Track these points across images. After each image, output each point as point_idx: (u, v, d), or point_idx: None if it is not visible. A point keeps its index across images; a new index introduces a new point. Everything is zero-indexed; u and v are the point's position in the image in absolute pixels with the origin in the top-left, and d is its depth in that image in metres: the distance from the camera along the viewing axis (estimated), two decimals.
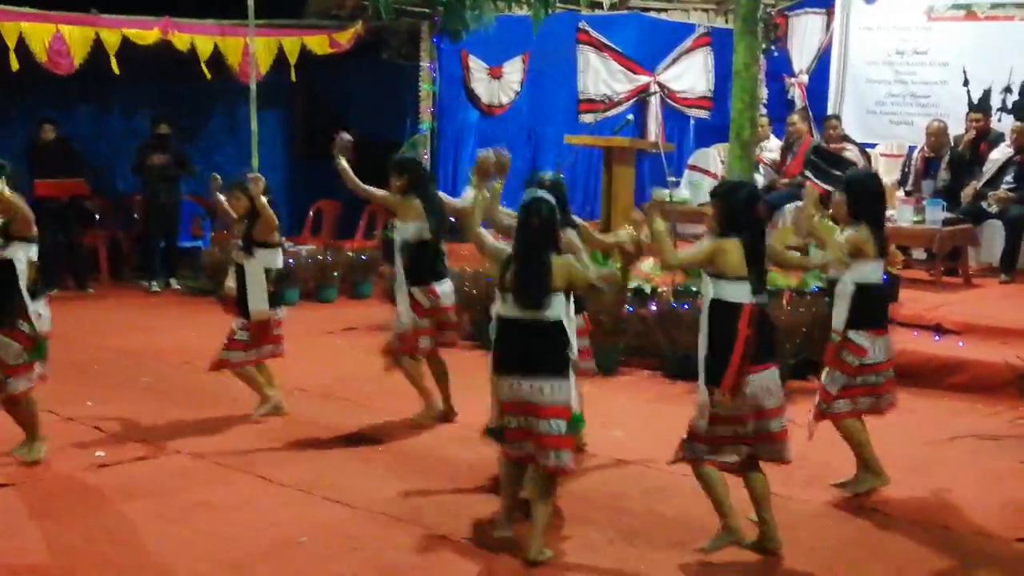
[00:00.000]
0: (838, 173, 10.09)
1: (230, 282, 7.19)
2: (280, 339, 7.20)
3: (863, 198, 5.77)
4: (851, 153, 11.61)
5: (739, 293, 4.85)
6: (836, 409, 5.74)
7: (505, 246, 5.20)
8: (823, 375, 5.85)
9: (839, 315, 5.69)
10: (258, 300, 6.98)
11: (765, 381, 4.90)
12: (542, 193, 5.12)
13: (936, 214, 10.08)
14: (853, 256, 5.63)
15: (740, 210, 4.95)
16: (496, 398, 5.10)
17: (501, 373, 5.01)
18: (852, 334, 5.65)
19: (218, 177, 7.59)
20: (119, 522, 5.36)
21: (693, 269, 5.46)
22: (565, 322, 4.98)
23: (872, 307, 5.72)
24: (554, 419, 4.90)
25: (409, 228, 6.93)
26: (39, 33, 11.25)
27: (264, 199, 6.88)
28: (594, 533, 5.29)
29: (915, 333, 8.51)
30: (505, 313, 5.04)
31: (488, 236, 5.30)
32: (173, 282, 12.45)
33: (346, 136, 7.34)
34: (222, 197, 7.40)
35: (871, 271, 5.71)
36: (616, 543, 5.18)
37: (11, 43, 10.99)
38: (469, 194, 6.60)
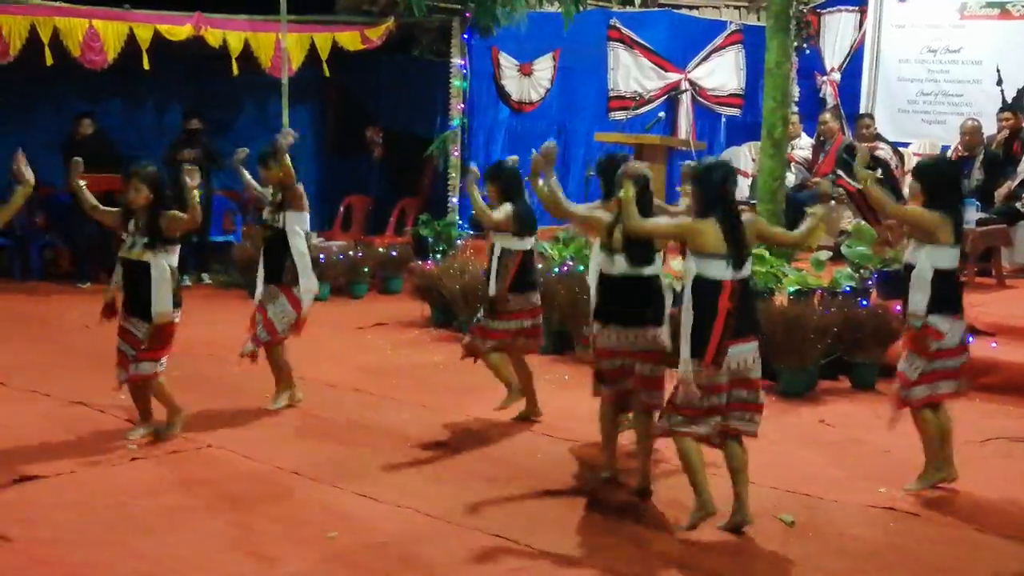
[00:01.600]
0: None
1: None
2: None
3: (937, 183, 5.73)
4: (884, 152, 11.53)
5: (719, 270, 5.08)
6: (916, 395, 5.73)
7: (602, 212, 5.85)
8: (901, 361, 5.82)
9: (919, 300, 5.64)
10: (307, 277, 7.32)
11: (744, 353, 5.15)
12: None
13: (970, 214, 9.97)
14: (918, 237, 5.66)
15: (715, 190, 5.19)
16: (599, 345, 5.75)
17: (607, 323, 5.69)
18: (932, 318, 5.62)
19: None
20: (149, 514, 5.39)
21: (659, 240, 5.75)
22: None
23: (951, 291, 5.71)
24: (651, 363, 5.64)
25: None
26: (73, 28, 11.33)
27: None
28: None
29: None
30: (612, 271, 5.67)
31: (579, 206, 6.16)
32: (205, 276, 12.53)
33: (473, 166, 7.35)
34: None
35: (948, 256, 5.67)
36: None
37: (46, 38, 11.08)
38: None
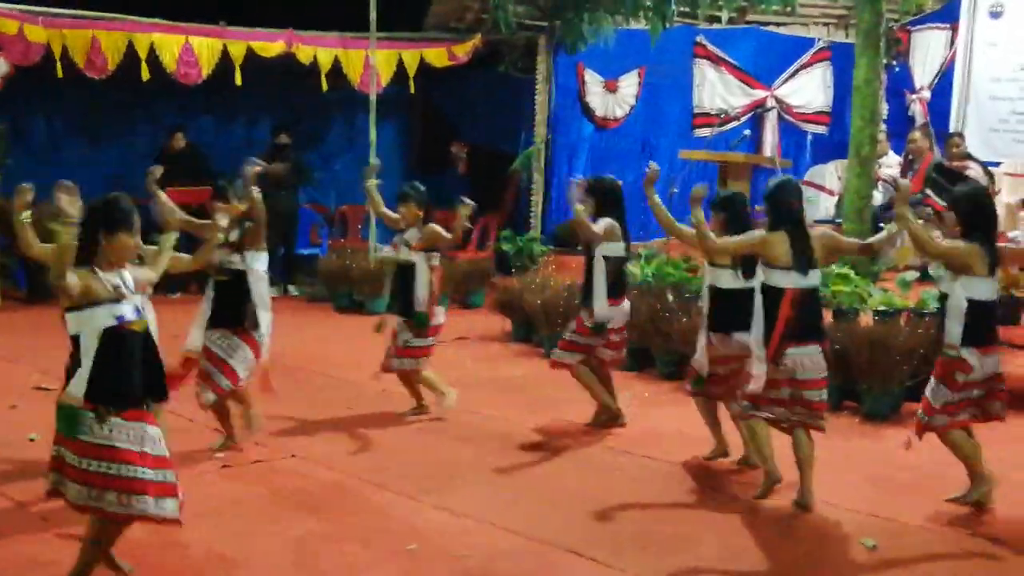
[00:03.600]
0: None
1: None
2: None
3: (973, 214, 5.70)
4: (974, 172, 11.33)
5: (784, 279, 5.63)
6: (936, 423, 5.71)
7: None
8: (928, 387, 5.78)
9: (953, 330, 5.60)
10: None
11: (802, 356, 5.65)
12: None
13: None
14: (953, 268, 5.63)
15: (784, 206, 5.73)
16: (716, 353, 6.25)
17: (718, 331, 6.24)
18: (964, 351, 5.58)
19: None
20: (237, 523, 5.50)
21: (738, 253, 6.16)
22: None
23: (983, 324, 5.63)
24: None
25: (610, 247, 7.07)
26: (170, 44, 11.64)
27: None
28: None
29: None
30: (719, 283, 6.22)
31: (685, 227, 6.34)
32: (291, 288, 12.73)
33: (579, 179, 7.50)
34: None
35: (983, 287, 5.62)
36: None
37: (143, 54, 11.38)
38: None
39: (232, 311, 6.51)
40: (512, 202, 13.70)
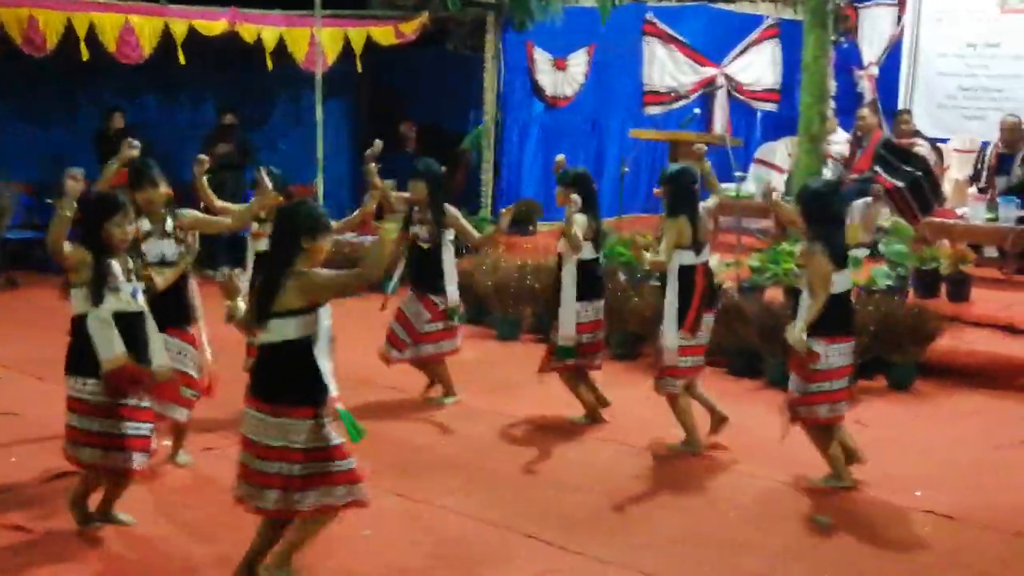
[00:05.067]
0: (908, 169, 9.90)
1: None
2: None
3: (814, 214, 5.72)
4: (922, 148, 11.37)
5: (691, 258, 6.22)
6: (801, 414, 5.76)
7: None
8: (791, 380, 5.83)
9: (800, 321, 5.63)
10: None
11: (709, 321, 6.38)
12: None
13: (1009, 211, 9.85)
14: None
15: (686, 190, 6.25)
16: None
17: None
18: (811, 340, 5.60)
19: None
20: (187, 513, 5.40)
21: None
22: None
23: (836, 314, 5.63)
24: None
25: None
26: (109, 23, 11.37)
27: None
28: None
29: (986, 333, 8.34)
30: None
31: None
32: (238, 271, 12.54)
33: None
34: None
35: (838, 281, 5.62)
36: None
37: (81, 33, 11.12)
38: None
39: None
40: (462, 182, 13.59)
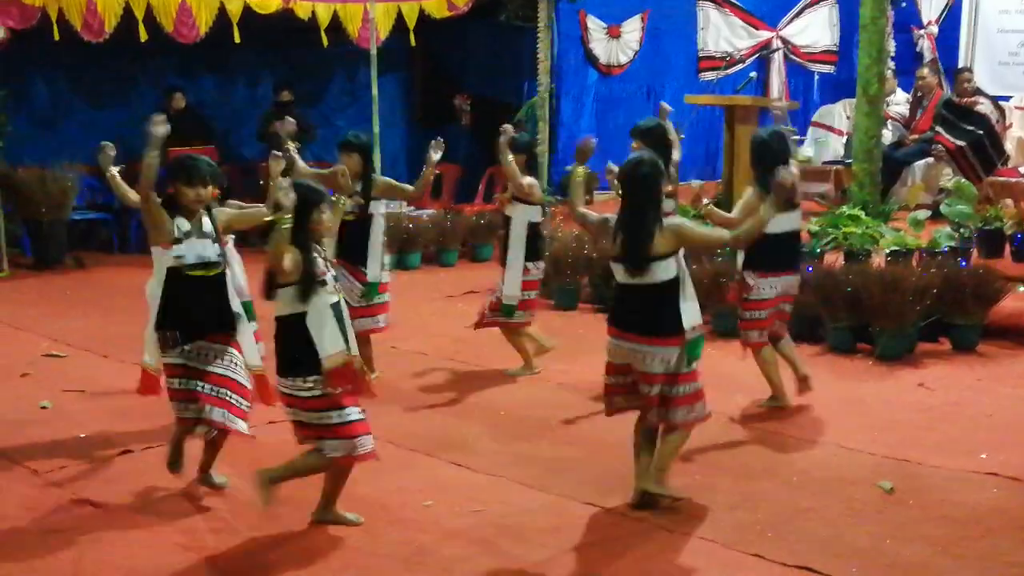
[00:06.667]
0: (970, 128, 9.77)
1: None
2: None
3: (759, 160, 6.26)
4: (984, 107, 11.20)
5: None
6: (751, 339, 6.46)
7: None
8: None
9: (739, 257, 6.41)
10: None
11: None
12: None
13: None
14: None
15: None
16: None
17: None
18: (744, 273, 6.35)
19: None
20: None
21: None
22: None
23: (766, 250, 6.06)
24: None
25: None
26: (166, 3, 11.50)
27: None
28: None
29: None
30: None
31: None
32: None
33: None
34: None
35: (778, 222, 5.79)
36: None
37: (139, 14, 11.26)
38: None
39: None
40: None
